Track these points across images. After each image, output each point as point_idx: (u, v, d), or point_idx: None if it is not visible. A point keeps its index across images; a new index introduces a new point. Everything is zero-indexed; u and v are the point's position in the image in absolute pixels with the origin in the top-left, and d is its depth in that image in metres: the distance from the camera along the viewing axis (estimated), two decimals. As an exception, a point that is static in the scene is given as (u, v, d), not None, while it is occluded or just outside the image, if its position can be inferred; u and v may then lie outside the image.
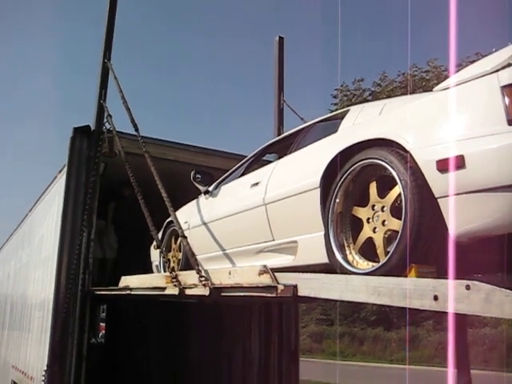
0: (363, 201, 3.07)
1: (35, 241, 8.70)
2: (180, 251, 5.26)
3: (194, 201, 5.29)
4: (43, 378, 6.16)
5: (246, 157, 5.11)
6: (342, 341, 35.18)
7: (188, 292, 4.00)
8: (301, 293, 2.89)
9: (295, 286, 2.92)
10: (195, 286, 3.83)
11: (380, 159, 2.86)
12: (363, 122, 3.37)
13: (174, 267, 5.03)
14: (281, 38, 8.71)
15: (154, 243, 5.69)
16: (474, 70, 2.67)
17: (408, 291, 2.25)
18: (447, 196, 2.50)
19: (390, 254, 2.73)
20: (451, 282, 2.08)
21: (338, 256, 3.05)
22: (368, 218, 3.01)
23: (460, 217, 2.47)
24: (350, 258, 3.04)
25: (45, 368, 6.15)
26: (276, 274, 3.13)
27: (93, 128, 6.72)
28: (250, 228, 4.05)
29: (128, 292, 5.28)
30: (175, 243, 5.52)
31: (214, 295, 3.61)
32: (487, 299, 1.96)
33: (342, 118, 3.65)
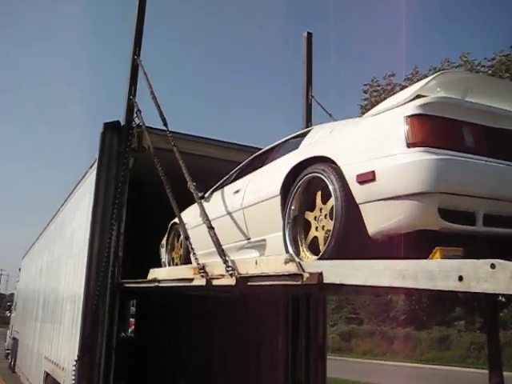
0: (312, 206, 3.69)
1: (67, 235, 8.84)
2: (181, 247, 5.89)
3: (194, 204, 5.50)
4: (74, 368, 6.27)
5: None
6: (372, 340, 34.98)
7: (215, 282, 4.04)
8: (326, 280, 2.90)
9: (320, 274, 2.93)
10: (222, 276, 3.87)
11: (321, 173, 3.51)
12: (316, 141, 4.06)
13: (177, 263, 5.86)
14: (309, 34, 8.69)
15: (162, 242, 6.59)
16: (392, 101, 3.42)
17: (432, 273, 2.25)
18: (365, 203, 3.15)
19: (324, 249, 3.35)
20: (476, 262, 2.07)
21: (292, 251, 3.64)
22: (314, 221, 3.65)
23: (374, 219, 3.11)
24: (302, 253, 3.64)
25: (75, 359, 6.26)
26: (302, 262, 3.14)
27: (122, 123, 6.80)
28: (232, 229, 4.63)
29: (156, 284, 5.34)
30: (177, 242, 6.16)
31: (241, 284, 3.64)
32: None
33: (304, 136, 4.33)
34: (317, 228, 3.59)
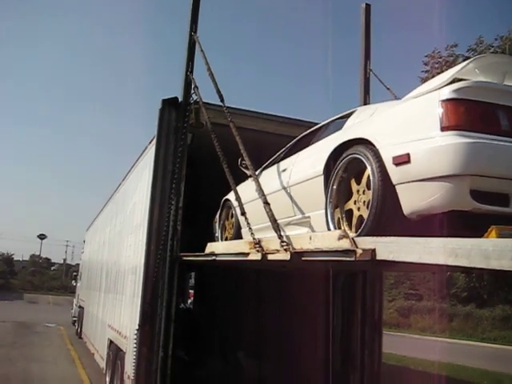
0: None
1: (128, 208, 9.12)
2: (232, 227, 6.15)
3: (246, 181, 5.79)
4: (135, 337, 6.53)
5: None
6: (431, 316, 34.50)
7: (270, 257, 4.11)
8: (379, 256, 2.91)
9: (373, 250, 2.94)
10: (277, 251, 3.92)
11: (360, 154, 3.68)
12: (357, 123, 4.19)
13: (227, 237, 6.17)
14: (367, 5, 8.50)
15: (216, 218, 6.82)
16: (429, 86, 3.55)
17: (486, 252, 2.22)
18: (401, 183, 3.31)
19: (363, 224, 3.52)
20: None
21: (332, 227, 3.87)
22: (354, 201, 3.84)
23: (408, 199, 3.27)
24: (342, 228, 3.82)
25: (136, 328, 6.51)
26: (355, 238, 3.15)
27: (180, 100, 6.91)
28: (280, 205, 4.74)
29: (213, 258, 5.47)
30: (229, 218, 6.40)
31: (295, 260, 3.69)
32: None
33: (348, 117, 4.48)
34: (359, 208, 3.78)
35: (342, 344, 7.71)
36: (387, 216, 3.36)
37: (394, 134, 3.49)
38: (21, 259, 65.70)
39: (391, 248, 2.85)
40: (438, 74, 10.83)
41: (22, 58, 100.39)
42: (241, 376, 8.16)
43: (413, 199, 3.24)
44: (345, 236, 3.20)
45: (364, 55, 8.25)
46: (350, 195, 3.90)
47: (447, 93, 3.18)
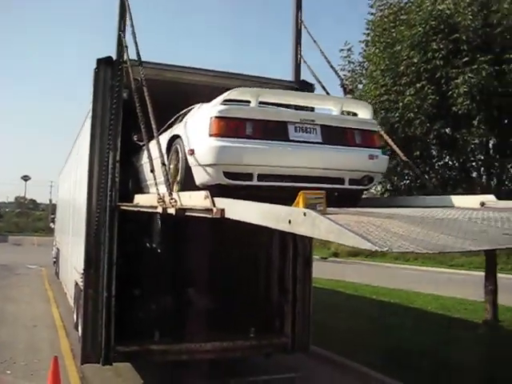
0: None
1: (82, 160, 9.60)
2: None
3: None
4: (81, 279, 7.20)
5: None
6: (405, 246, 35.64)
7: (169, 211, 4.73)
8: (227, 215, 3.52)
9: (223, 210, 3.55)
10: (169, 206, 4.54)
11: (178, 145, 5.73)
12: (183, 122, 6.01)
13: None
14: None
15: None
16: (213, 102, 5.42)
17: (279, 216, 2.86)
18: (193, 166, 5.29)
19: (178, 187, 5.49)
20: (295, 210, 2.68)
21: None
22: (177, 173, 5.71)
23: (196, 176, 5.24)
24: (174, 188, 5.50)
25: (81, 272, 7.18)
26: (215, 199, 3.76)
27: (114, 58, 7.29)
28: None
29: (138, 208, 6.08)
30: None
31: (180, 214, 4.31)
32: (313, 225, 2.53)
33: (188, 113, 6.11)
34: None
35: (279, 276, 8.41)
36: (189, 184, 5.23)
37: (189, 134, 5.50)
38: (6, 201, 66.07)
39: (235, 209, 3.46)
40: (390, 14, 10.97)
41: None
42: (191, 309, 8.85)
43: (198, 176, 5.19)
44: (207, 196, 3.81)
45: (296, 6, 8.52)
46: (176, 169, 5.70)
47: (213, 112, 5.09)
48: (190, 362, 7.65)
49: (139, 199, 6.22)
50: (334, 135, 5.50)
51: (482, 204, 4.85)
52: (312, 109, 6.40)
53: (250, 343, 7.83)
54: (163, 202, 4.83)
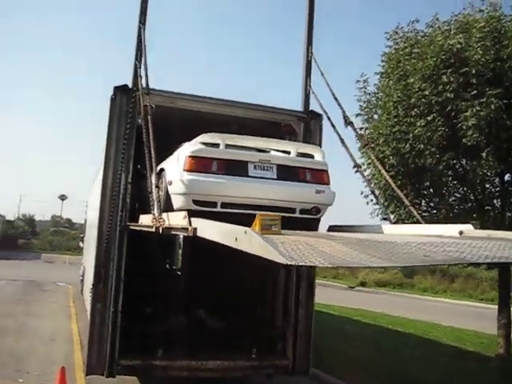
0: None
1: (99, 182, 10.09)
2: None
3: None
4: (90, 293, 7.59)
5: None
6: (433, 277, 35.33)
7: (161, 230, 5.09)
8: (198, 234, 3.85)
9: (195, 229, 3.88)
10: (160, 225, 4.90)
11: (163, 176, 6.80)
12: (172, 157, 6.96)
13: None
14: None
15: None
16: (193, 142, 6.44)
17: (233, 235, 3.17)
18: (171, 194, 6.35)
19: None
20: (240, 228, 2.98)
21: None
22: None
23: (174, 202, 6.23)
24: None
25: (91, 286, 7.56)
26: (192, 219, 4.10)
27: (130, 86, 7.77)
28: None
29: (141, 228, 6.47)
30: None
31: (166, 232, 4.67)
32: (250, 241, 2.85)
33: (179, 148, 6.88)
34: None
35: (283, 301, 8.63)
36: (170, 209, 6.10)
37: (170, 168, 6.66)
38: (42, 219, 67.61)
39: (205, 228, 3.79)
40: (405, 47, 11.28)
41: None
42: (196, 327, 9.14)
43: (175, 202, 6.21)
44: (185, 216, 4.15)
45: (307, 40, 8.90)
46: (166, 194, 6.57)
47: (188, 152, 6.21)
48: (193, 379, 7.88)
49: (142, 219, 6.62)
50: (287, 173, 6.55)
51: (461, 233, 5.09)
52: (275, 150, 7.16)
53: (252, 363, 8.05)
54: (156, 221, 5.22)
